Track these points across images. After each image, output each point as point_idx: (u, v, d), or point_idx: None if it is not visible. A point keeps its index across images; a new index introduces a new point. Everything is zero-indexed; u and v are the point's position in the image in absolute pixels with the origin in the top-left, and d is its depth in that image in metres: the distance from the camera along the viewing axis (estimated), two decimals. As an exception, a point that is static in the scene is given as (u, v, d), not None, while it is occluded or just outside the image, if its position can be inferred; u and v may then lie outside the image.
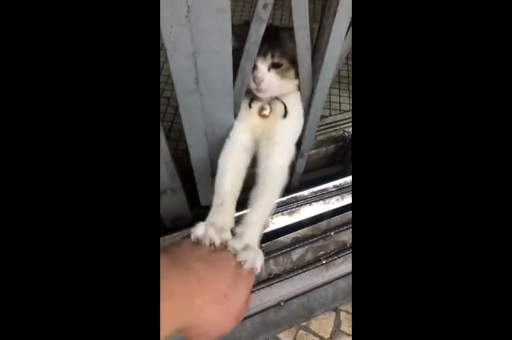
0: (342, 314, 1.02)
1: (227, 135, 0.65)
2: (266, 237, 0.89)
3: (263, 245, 0.88)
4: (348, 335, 0.98)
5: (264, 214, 0.55)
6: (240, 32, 0.56)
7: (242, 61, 0.57)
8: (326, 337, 0.98)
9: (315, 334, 0.98)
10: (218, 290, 0.37)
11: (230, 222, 0.52)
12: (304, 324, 0.98)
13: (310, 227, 0.94)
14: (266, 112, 0.63)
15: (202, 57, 0.49)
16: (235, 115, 0.64)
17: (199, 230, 0.47)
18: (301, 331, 0.98)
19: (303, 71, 0.64)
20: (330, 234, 0.93)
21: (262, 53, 0.54)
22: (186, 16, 0.42)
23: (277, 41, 0.54)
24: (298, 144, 0.85)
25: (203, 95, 0.55)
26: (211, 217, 0.52)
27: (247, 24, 0.53)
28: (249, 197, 0.57)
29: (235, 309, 0.38)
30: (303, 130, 0.80)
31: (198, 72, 0.51)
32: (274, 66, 0.56)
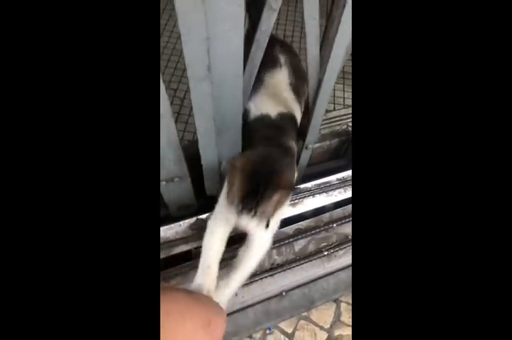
0: (343, 305, 1.03)
1: (235, 123, 0.66)
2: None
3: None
4: (348, 325, 1.00)
5: (240, 280, 0.69)
6: None
7: (252, 50, 0.58)
8: (326, 327, 0.99)
9: (316, 324, 1.00)
10: (206, 315, 0.43)
11: (214, 284, 0.65)
12: (305, 314, 0.99)
13: (313, 219, 0.95)
14: None
15: (215, 43, 0.50)
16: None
17: None
18: (302, 321, 1.00)
19: (311, 61, 0.65)
20: (332, 226, 0.94)
21: (247, 209, 0.59)
22: (202, 1, 0.43)
23: (262, 196, 0.58)
24: (303, 137, 0.86)
25: (214, 82, 0.56)
26: (199, 277, 0.65)
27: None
28: (236, 255, 0.71)
29: (217, 338, 0.44)
30: (308, 123, 0.81)
31: (210, 59, 0.52)
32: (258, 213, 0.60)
